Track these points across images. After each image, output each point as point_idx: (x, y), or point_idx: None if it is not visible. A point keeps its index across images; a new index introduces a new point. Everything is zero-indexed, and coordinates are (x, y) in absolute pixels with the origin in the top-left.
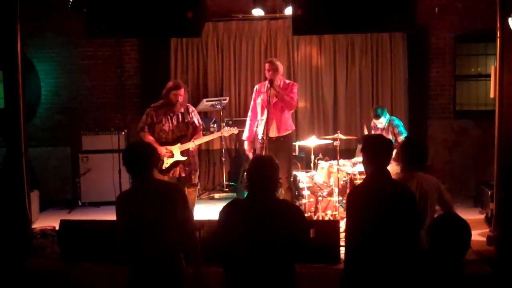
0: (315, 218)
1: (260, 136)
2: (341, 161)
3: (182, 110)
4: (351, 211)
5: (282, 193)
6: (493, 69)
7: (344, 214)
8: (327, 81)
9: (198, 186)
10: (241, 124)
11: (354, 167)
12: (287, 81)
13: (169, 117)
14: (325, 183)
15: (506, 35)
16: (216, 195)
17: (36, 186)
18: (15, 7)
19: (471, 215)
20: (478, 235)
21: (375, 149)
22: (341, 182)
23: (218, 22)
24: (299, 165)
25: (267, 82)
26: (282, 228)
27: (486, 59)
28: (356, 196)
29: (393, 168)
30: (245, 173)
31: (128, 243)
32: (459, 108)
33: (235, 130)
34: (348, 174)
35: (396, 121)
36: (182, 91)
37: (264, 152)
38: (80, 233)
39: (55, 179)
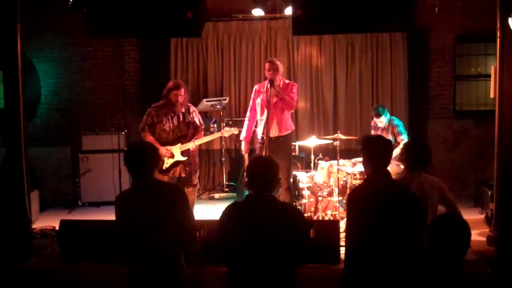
0: (315, 218)
1: (260, 136)
2: (341, 161)
3: (183, 110)
4: (351, 211)
5: (281, 193)
6: (493, 69)
7: (344, 214)
8: (327, 81)
9: (198, 186)
10: (241, 124)
11: (354, 167)
12: (287, 81)
13: (169, 117)
14: (325, 183)
15: (506, 35)
16: (216, 195)
17: (36, 186)
18: (15, 7)
19: (471, 215)
20: (478, 235)
21: (375, 150)
22: (341, 182)
23: (218, 22)
24: (299, 165)
25: (266, 82)
26: (282, 229)
27: (486, 59)
28: (356, 197)
29: (393, 168)
30: (245, 173)
31: (127, 243)
32: (459, 108)
33: (235, 131)
34: (348, 174)
35: (396, 121)
36: (182, 91)
37: (264, 152)
38: (80, 233)
39: (55, 179)
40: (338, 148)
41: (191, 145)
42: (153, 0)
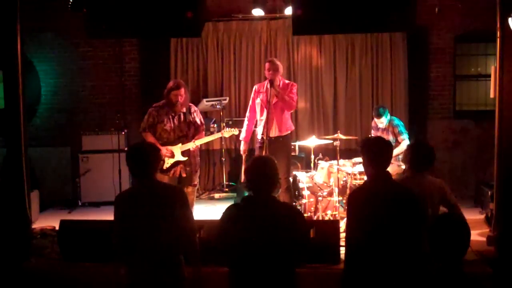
0: (315, 218)
1: (259, 136)
2: (341, 161)
3: (184, 110)
4: (352, 211)
5: (281, 194)
6: (493, 69)
7: (344, 214)
8: (327, 81)
9: (197, 186)
10: (241, 124)
11: (354, 167)
12: (287, 81)
13: (170, 117)
14: (325, 183)
15: (506, 35)
16: (216, 195)
17: (36, 186)
18: (15, 7)
19: (471, 215)
20: (478, 235)
21: (375, 151)
22: (341, 182)
23: (218, 22)
24: (299, 165)
25: (266, 82)
26: (282, 229)
27: (486, 59)
28: (357, 197)
29: (393, 168)
30: (244, 174)
31: (126, 243)
32: (459, 108)
33: (235, 131)
34: (348, 174)
35: (397, 121)
36: (182, 91)
37: (264, 152)
38: (80, 233)
39: (55, 179)
40: (338, 148)
41: (192, 145)
42: (153, 0)
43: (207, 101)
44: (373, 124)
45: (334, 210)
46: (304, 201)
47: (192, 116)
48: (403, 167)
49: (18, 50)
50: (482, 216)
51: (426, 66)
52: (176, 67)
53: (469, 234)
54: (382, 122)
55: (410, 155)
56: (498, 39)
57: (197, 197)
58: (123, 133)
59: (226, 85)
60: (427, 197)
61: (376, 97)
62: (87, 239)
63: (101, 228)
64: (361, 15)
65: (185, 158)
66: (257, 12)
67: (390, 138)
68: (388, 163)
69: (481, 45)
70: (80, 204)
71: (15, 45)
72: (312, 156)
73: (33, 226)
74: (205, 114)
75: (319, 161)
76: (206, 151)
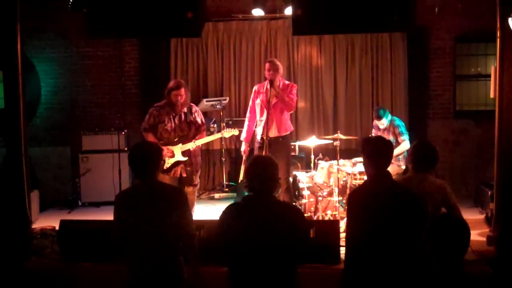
0: (315, 218)
1: (259, 137)
2: (341, 161)
3: (185, 110)
4: (352, 211)
5: (281, 194)
6: (493, 69)
7: (344, 214)
8: (327, 81)
9: (198, 186)
10: (241, 124)
11: (354, 167)
12: (287, 82)
13: (171, 117)
14: (325, 183)
15: (506, 35)
16: (216, 195)
17: (36, 186)
18: (15, 7)
19: (471, 215)
20: (478, 235)
21: (375, 151)
22: (341, 182)
23: (218, 22)
24: (299, 165)
25: (266, 82)
26: (282, 229)
27: (486, 59)
28: (357, 197)
29: (393, 168)
30: (244, 174)
31: (124, 242)
32: (459, 108)
33: (235, 131)
34: (348, 174)
35: (397, 122)
36: (182, 91)
37: (264, 152)
38: (80, 233)
39: (55, 179)
40: (338, 148)
41: (192, 145)
42: (153, 0)
43: (207, 101)
44: (373, 124)
45: (334, 210)
46: (304, 201)
47: (193, 116)
48: (403, 167)
49: (18, 50)
50: (482, 216)
51: (426, 66)
52: (176, 67)
53: (469, 234)
54: (382, 123)
55: (413, 155)
56: (498, 39)
57: (197, 197)
58: (123, 133)
59: (226, 85)
60: (428, 197)
61: (376, 97)
62: (87, 239)
63: (101, 228)
64: (361, 15)
65: (186, 158)
66: (257, 12)
67: (391, 138)
68: (388, 163)
69: (481, 45)
70: (80, 204)
71: (15, 45)
72: (312, 156)
73: (33, 226)
74: (205, 114)
75: (319, 161)
76: (206, 151)
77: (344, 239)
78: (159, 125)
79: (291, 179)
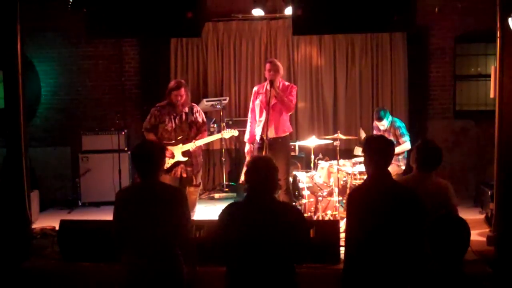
0: (315, 218)
1: (258, 137)
2: (341, 161)
3: (186, 110)
4: (351, 211)
5: (280, 195)
6: (493, 69)
7: (344, 214)
8: (327, 81)
9: (201, 187)
10: (241, 124)
11: (354, 167)
12: (286, 83)
13: (172, 117)
14: (325, 183)
15: (506, 35)
16: (216, 195)
17: (36, 186)
18: (15, 7)
19: (471, 215)
20: (478, 235)
21: (376, 150)
22: (341, 182)
23: (218, 22)
24: (299, 165)
25: (266, 83)
26: (282, 229)
27: (486, 59)
28: (357, 196)
29: (393, 168)
30: (244, 174)
31: (123, 240)
32: (459, 108)
33: (235, 132)
34: (348, 174)
35: (398, 123)
36: (182, 91)
37: (264, 152)
38: (80, 233)
39: (55, 179)
40: (338, 148)
41: (192, 145)
42: (153, 0)
43: (207, 101)
44: (374, 124)
45: (334, 210)
46: (304, 201)
47: (194, 116)
48: (403, 167)
49: (18, 50)
50: (482, 216)
51: (426, 66)
52: (176, 67)
53: (469, 234)
54: (383, 124)
55: (417, 154)
56: (498, 39)
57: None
58: (123, 133)
59: (226, 85)
60: (429, 197)
61: (376, 97)
62: (87, 239)
63: (101, 228)
64: (361, 15)
65: (186, 159)
66: (257, 12)
67: (391, 139)
68: (389, 162)
69: (481, 45)
70: (80, 204)
71: (15, 45)
72: (312, 156)
73: (33, 226)
74: (205, 114)
75: (319, 161)
76: (206, 151)
77: (344, 239)
78: (160, 125)
79: (291, 179)
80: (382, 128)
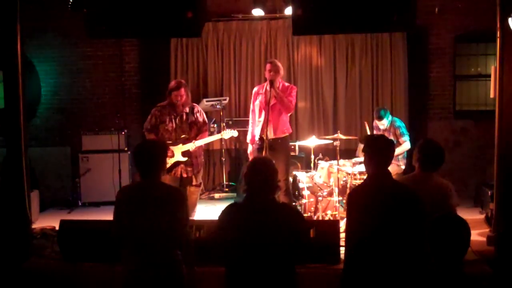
0: (315, 218)
1: (257, 137)
2: (341, 161)
3: (187, 110)
4: (352, 211)
5: (280, 196)
6: (493, 69)
7: (344, 214)
8: (327, 81)
9: (201, 187)
10: (241, 124)
11: (354, 167)
12: (286, 84)
13: (172, 117)
14: (325, 183)
15: (506, 35)
16: (216, 195)
17: (36, 186)
18: (15, 7)
19: (471, 215)
20: (478, 235)
21: (376, 149)
22: (341, 182)
23: (218, 22)
24: (299, 165)
25: (265, 84)
26: (281, 230)
27: (486, 59)
28: (357, 196)
29: (393, 168)
30: (243, 176)
31: (123, 238)
32: (459, 108)
33: (234, 133)
34: (348, 174)
35: (398, 122)
36: (182, 91)
37: (264, 153)
38: (80, 233)
39: (55, 179)
40: (338, 148)
41: (191, 146)
42: (153, 0)
43: (207, 101)
44: (374, 124)
45: (334, 210)
46: (304, 201)
47: (195, 116)
48: (403, 167)
49: (18, 50)
50: (482, 216)
51: (426, 66)
52: (176, 67)
53: (469, 234)
54: (383, 124)
55: (419, 154)
56: (498, 39)
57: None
58: (123, 133)
59: (226, 85)
60: (430, 196)
61: (376, 97)
62: (87, 239)
63: (101, 228)
64: (361, 15)
65: (185, 159)
66: (257, 12)
67: (391, 139)
68: (389, 161)
69: (481, 45)
70: (80, 204)
71: (15, 45)
72: (312, 156)
73: (33, 226)
74: (205, 114)
75: (319, 161)
76: (206, 151)
77: (344, 239)
78: (160, 125)
79: (291, 179)
80: (382, 127)
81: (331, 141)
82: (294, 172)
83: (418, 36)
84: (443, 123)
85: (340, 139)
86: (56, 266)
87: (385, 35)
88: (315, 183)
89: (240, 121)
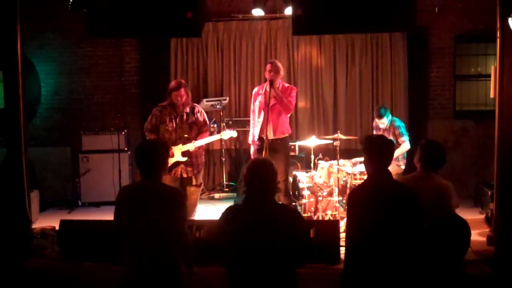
0: (315, 218)
1: (256, 138)
2: (341, 161)
3: (187, 110)
4: (352, 211)
5: (280, 197)
6: (493, 69)
7: (344, 214)
8: (327, 81)
9: (202, 187)
10: (241, 124)
11: (354, 167)
12: (286, 85)
13: (173, 117)
14: (325, 183)
15: (506, 35)
16: (216, 195)
17: (36, 186)
18: (15, 7)
19: (471, 215)
20: (478, 235)
21: (376, 150)
22: (341, 182)
23: (218, 22)
24: (299, 165)
25: (265, 84)
26: (281, 231)
27: (486, 59)
28: (357, 196)
29: (393, 168)
30: (243, 177)
31: (124, 239)
32: (459, 108)
33: (234, 134)
34: (348, 174)
35: (398, 122)
36: (182, 91)
37: (264, 153)
38: (80, 233)
39: (55, 179)
40: (338, 148)
41: (191, 146)
42: (153, 0)
43: (207, 101)
44: (374, 124)
45: (334, 210)
46: (304, 201)
47: (195, 116)
48: (403, 167)
49: (18, 50)
50: (482, 216)
51: (426, 66)
52: (176, 67)
53: (469, 234)
54: (383, 122)
55: (421, 154)
56: (498, 39)
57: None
58: (123, 133)
59: (226, 85)
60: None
61: (376, 97)
62: (87, 239)
63: (101, 228)
64: (361, 15)
65: (185, 159)
66: (257, 12)
67: (391, 139)
68: (389, 162)
69: (481, 45)
70: (80, 204)
71: (15, 45)
72: (312, 156)
73: (33, 226)
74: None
75: (319, 161)
76: (206, 151)
77: (344, 239)
78: (161, 125)
79: (290, 179)
80: (382, 126)
81: (331, 141)
82: (294, 172)
83: (418, 36)
84: (443, 123)
85: (340, 139)
86: (56, 266)
87: (385, 35)
88: (315, 183)
89: (240, 121)
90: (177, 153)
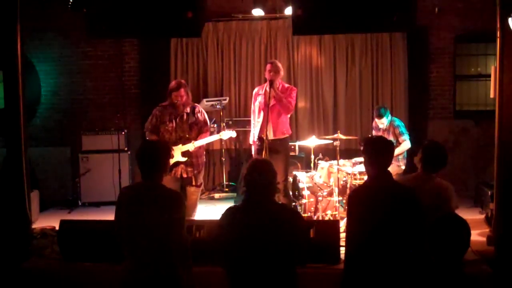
0: (315, 218)
1: (255, 138)
2: (341, 161)
3: (188, 110)
4: (352, 211)
5: (279, 198)
6: (493, 69)
7: (344, 214)
8: (327, 81)
9: (202, 187)
10: (241, 124)
11: (354, 167)
12: (286, 85)
13: (173, 117)
14: (325, 183)
15: (506, 35)
16: (216, 195)
17: (36, 186)
18: (15, 7)
19: (471, 215)
20: (478, 235)
21: (376, 150)
22: (341, 182)
23: (218, 22)
24: (299, 165)
25: (265, 84)
26: (281, 232)
27: (486, 59)
28: (357, 197)
29: (393, 168)
30: (243, 177)
31: (124, 239)
32: (459, 108)
33: (233, 134)
34: (348, 174)
35: (397, 122)
36: (182, 91)
37: (264, 153)
38: (80, 233)
39: (55, 179)
40: (338, 148)
41: (191, 146)
42: (153, 0)
43: (207, 101)
44: (373, 124)
45: (334, 210)
46: (304, 201)
47: (196, 116)
48: (403, 167)
49: (18, 50)
50: (482, 216)
51: (426, 66)
52: (176, 67)
53: (469, 234)
54: (383, 122)
55: (423, 155)
56: (498, 39)
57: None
58: (123, 133)
59: (226, 85)
60: (430, 197)
61: (376, 97)
62: (87, 239)
63: (101, 228)
64: (361, 15)
65: (185, 159)
66: (257, 12)
67: (391, 138)
68: (389, 162)
69: (481, 45)
70: (80, 204)
71: (15, 45)
72: (312, 156)
73: (33, 226)
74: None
75: (319, 161)
76: (206, 151)
77: (344, 239)
78: (161, 125)
79: (290, 180)
80: (381, 126)
81: (331, 141)
82: (294, 172)
83: (418, 36)
84: (443, 123)
85: (340, 139)
86: (56, 266)
87: (385, 35)
88: (315, 183)
89: (240, 121)
90: (177, 153)
